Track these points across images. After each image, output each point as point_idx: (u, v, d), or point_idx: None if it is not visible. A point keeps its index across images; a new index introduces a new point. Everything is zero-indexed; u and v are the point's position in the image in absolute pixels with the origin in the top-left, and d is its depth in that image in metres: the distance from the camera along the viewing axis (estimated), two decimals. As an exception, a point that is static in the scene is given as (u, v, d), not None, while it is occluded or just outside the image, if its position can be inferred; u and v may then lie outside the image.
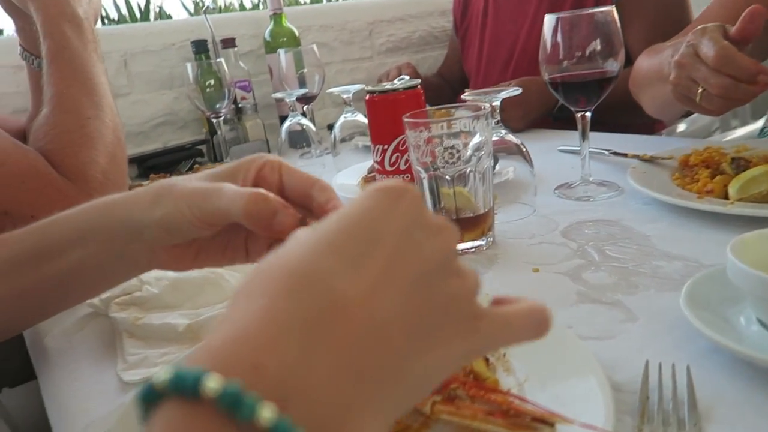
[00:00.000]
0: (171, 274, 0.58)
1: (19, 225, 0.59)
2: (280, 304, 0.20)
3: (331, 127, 1.18)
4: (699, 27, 0.67)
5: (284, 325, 0.19)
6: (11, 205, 0.59)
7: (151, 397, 0.18)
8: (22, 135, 0.79)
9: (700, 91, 0.65)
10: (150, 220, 0.37)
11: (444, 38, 1.83)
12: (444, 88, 1.61)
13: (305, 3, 1.80)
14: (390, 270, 0.23)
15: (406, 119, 0.61)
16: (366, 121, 1.08)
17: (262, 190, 0.35)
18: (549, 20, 0.71)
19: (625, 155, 0.86)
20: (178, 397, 0.17)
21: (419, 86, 0.67)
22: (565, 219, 0.68)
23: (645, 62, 0.91)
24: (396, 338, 0.22)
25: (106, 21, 1.46)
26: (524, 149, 0.74)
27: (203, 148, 1.39)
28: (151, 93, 1.40)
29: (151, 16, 1.51)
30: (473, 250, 0.63)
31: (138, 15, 1.49)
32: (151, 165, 1.28)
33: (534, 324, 0.27)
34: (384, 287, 0.22)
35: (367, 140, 1.19)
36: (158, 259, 0.41)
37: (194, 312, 0.54)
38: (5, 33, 1.30)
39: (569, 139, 1.05)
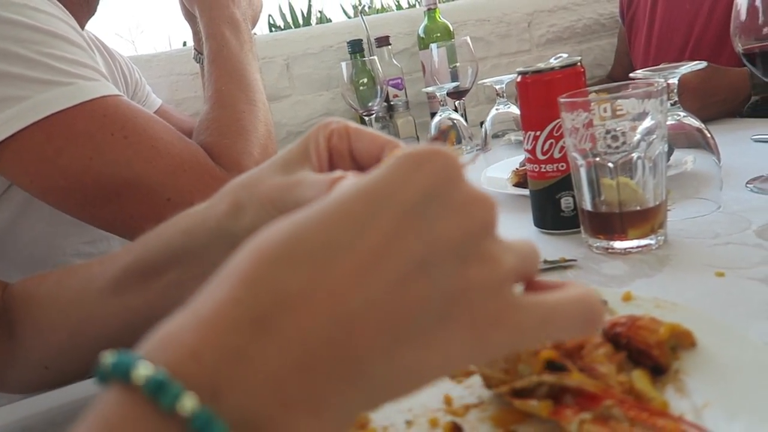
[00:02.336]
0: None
1: (179, 212, 0.64)
2: (238, 294, 0.19)
3: (483, 124, 1.12)
4: None
5: (234, 316, 0.19)
6: (174, 192, 0.63)
7: (102, 377, 0.18)
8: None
9: None
10: (239, 229, 0.35)
11: (613, 25, 1.68)
12: None
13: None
14: (379, 255, 0.20)
15: (562, 100, 0.54)
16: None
17: (341, 173, 0.31)
18: (745, -20, 0.60)
19: None
20: (116, 381, 0.18)
21: (579, 64, 0.60)
22: (762, 217, 0.57)
23: None
24: (359, 336, 0.19)
25: (272, 28, 1.55)
26: (708, 135, 0.63)
27: (357, 146, 1.41)
28: (310, 94, 1.46)
29: (313, 20, 1.58)
30: (639, 249, 0.54)
31: (300, 21, 1.57)
32: (307, 162, 1.33)
33: (580, 318, 0.23)
34: (364, 276, 0.19)
35: (520, 135, 1.13)
36: None
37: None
38: (187, 44, 1.44)
39: (766, 127, 0.89)
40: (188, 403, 0.17)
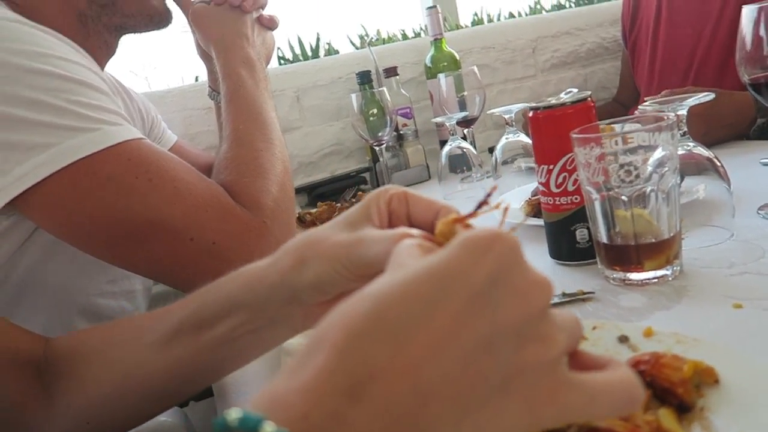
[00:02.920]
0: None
1: (202, 251, 0.64)
2: (333, 363, 0.22)
3: (492, 150, 1.14)
4: None
5: (332, 383, 0.21)
6: (196, 231, 0.64)
7: (223, 430, 0.20)
8: (210, 169, 0.87)
9: None
10: (302, 284, 0.37)
11: (616, 49, 1.71)
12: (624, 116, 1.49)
13: (466, 26, 1.79)
14: (450, 333, 0.22)
15: (574, 135, 0.55)
16: (529, 141, 1.03)
17: (404, 230, 0.33)
18: (749, 12, 0.62)
19: None
20: None
21: (589, 99, 0.61)
22: (776, 245, 0.57)
23: None
24: (432, 406, 0.21)
25: (282, 61, 1.58)
26: (718, 164, 0.64)
27: (366, 175, 1.43)
28: (320, 125, 1.48)
29: (321, 52, 1.61)
30: (656, 280, 0.55)
31: (309, 53, 1.60)
32: (318, 193, 1.35)
33: (625, 400, 0.25)
34: (437, 352, 0.22)
35: (530, 161, 1.14)
36: (312, 317, 0.40)
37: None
38: (199, 79, 1.47)
39: (775, 150, 0.90)
40: None
